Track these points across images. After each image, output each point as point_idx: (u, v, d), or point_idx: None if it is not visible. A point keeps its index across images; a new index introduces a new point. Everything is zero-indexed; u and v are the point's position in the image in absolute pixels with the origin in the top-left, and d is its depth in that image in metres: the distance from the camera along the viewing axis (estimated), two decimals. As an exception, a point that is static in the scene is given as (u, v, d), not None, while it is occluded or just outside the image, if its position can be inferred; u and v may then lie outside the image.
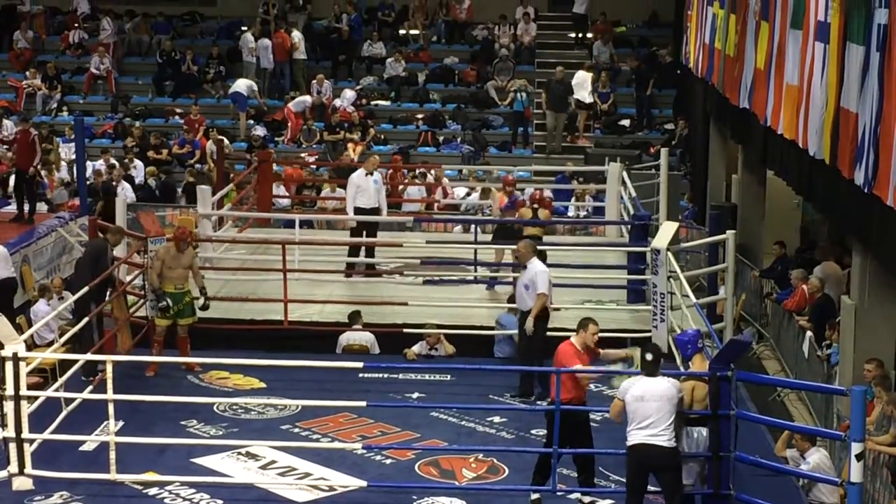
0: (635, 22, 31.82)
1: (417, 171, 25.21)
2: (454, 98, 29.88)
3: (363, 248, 18.75)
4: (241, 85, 28.64)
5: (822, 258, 18.11)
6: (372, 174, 18.70)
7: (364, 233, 18.83)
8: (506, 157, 27.81)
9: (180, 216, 21.99)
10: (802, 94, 14.81)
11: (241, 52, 30.13)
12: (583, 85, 28.41)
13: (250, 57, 29.80)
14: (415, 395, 14.65)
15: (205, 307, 15.70)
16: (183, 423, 13.58)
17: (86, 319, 14.41)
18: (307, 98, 28.75)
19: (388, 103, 29.93)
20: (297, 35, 29.97)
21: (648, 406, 10.79)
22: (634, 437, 10.86)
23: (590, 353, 12.10)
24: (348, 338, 16.15)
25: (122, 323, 15.60)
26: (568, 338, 12.22)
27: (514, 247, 16.43)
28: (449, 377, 15.21)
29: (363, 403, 12.99)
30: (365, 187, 18.61)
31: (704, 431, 11.37)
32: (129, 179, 24.90)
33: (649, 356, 11.06)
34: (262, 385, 14.92)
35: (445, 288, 18.04)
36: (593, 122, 28.83)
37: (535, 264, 14.71)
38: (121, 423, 12.62)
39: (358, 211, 18.66)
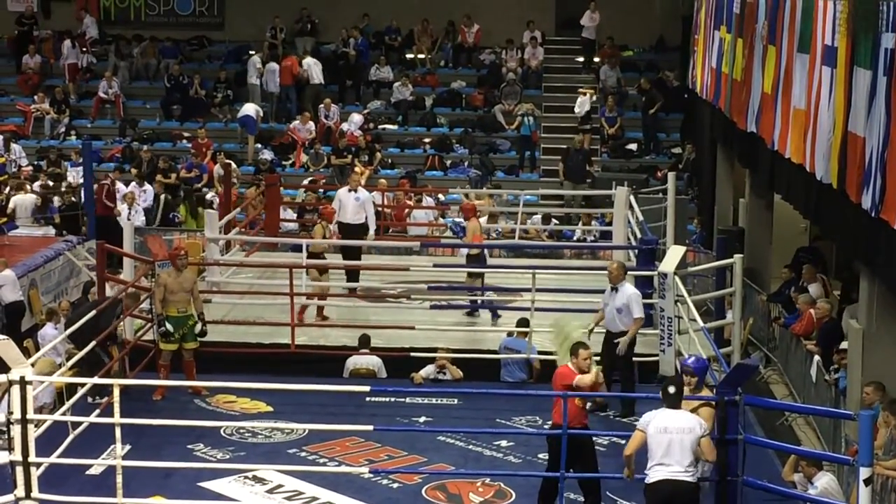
0: (642, 46, 31.87)
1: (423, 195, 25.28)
2: (461, 122, 29.92)
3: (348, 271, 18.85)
4: (250, 108, 28.72)
5: (808, 281, 18.13)
6: (355, 191, 19.29)
7: (345, 250, 19.17)
8: (513, 181, 27.80)
9: (187, 240, 22.01)
10: (810, 118, 14.82)
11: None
12: (584, 105, 28.63)
13: (256, 81, 29.90)
14: (422, 419, 14.63)
15: (202, 333, 15.69)
16: (190, 446, 13.58)
17: (92, 343, 14.41)
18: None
19: (395, 127, 29.97)
20: (310, 61, 30.05)
21: (672, 439, 10.55)
22: (657, 473, 10.58)
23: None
24: (355, 362, 16.15)
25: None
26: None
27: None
28: (456, 401, 15.20)
29: (370, 427, 13.00)
30: (346, 203, 19.19)
31: None
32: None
33: (672, 388, 10.80)
34: (269, 409, 14.92)
35: (452, 312, 18.03)
36: (600, 145, 28.87)
37: (626, 287, 14.84)
38: (128, 447, 12.59)
39: (340, 226, 19.17)
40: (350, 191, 19.37)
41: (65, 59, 31.12)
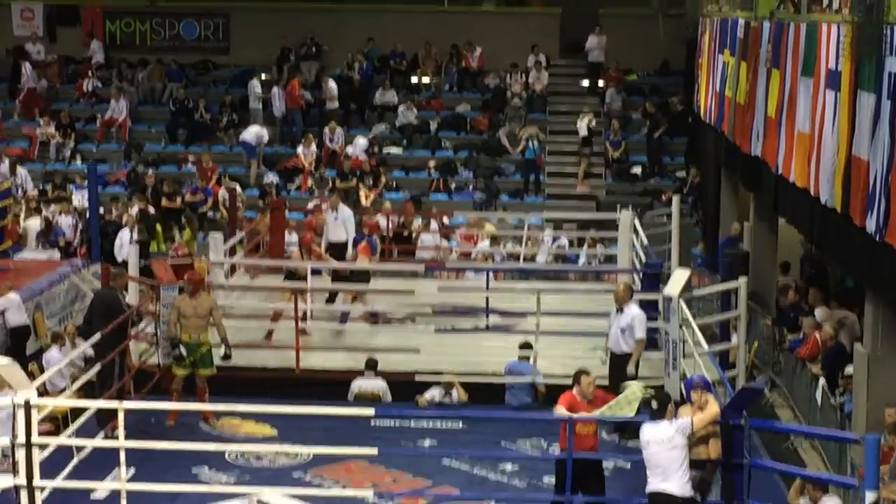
0: (647, 70, 31.93)
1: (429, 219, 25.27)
2: (466, 146, 29.96)
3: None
4: (251, 132, 28.78)
5: (814, 304, 18.13)
6: (335, 209, 20.62)
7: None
8: (518, 205, 27.82)
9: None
10: (814, 141, 14.83)
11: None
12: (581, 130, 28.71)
13: (257, 105, 29.98)
14: (427, 443, 14.63)
15: (226, 357, 15.72)
16: (195, 470, 13.58)
17: (98, 365, 14.40)
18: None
19: (400, 151, 30.00)
20: (332, 86, 30.20)
21: (651, 452, 10.93)
22: (649, 485, 11.00)
23: (593, 402, 12.06)
24: (360, 385, 16.15)
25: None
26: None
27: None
28: (461, 424, 15.19)
29: (375, 451, 12.96)
30: (329, 223, 20.59)
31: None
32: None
33: (654, 404, 11.18)
34: (274, 432, 14.92)
35: (457, 336, 18.01)
36: (603, 168, 28.91)
37: (632, 308, 15.05)
38: (132, 471, 12.60)
39: (329, 245, 20.38)
40: (331, 211, 20.62)
41: (25, 82, 31.16)
